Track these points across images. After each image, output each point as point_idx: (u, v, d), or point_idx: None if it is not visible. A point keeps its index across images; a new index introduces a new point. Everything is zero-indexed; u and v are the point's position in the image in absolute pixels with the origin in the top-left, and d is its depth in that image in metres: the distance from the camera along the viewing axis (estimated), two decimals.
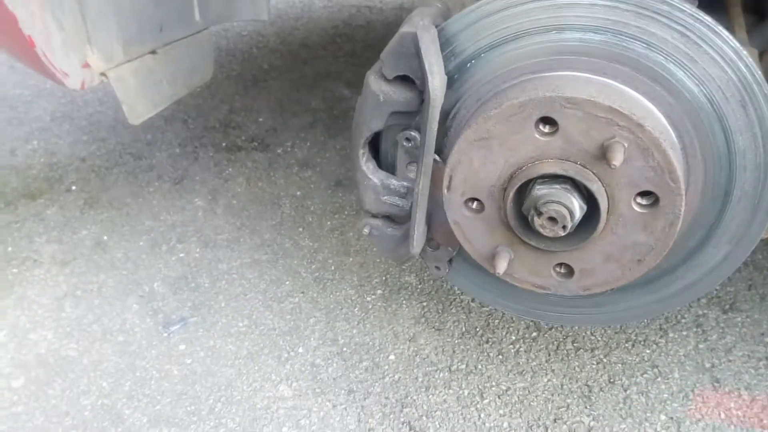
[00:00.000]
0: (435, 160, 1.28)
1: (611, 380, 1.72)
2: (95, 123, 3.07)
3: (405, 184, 1.35)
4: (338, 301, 2.02)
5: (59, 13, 1.31)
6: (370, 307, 1.99)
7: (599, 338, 1.84)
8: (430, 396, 1.70)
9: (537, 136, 1.15)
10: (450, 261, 1.46)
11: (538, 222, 1.16)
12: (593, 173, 1.14)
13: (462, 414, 1.65)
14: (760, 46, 1.63)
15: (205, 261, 2.20)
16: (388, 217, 1.42)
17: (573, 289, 1.29)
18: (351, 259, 2.19)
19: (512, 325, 1.89)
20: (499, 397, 1.68)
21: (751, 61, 1.10)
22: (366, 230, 1.41)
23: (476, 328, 1.89)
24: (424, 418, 1.64)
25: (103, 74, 1.49)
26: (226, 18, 1.83)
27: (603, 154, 1.11)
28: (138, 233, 2.34)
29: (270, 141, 2.88)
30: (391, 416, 1.65)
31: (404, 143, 1.31)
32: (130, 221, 2.40)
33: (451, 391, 1.71)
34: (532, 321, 1.87)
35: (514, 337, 1.86)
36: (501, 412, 1.65)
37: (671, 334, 1.83)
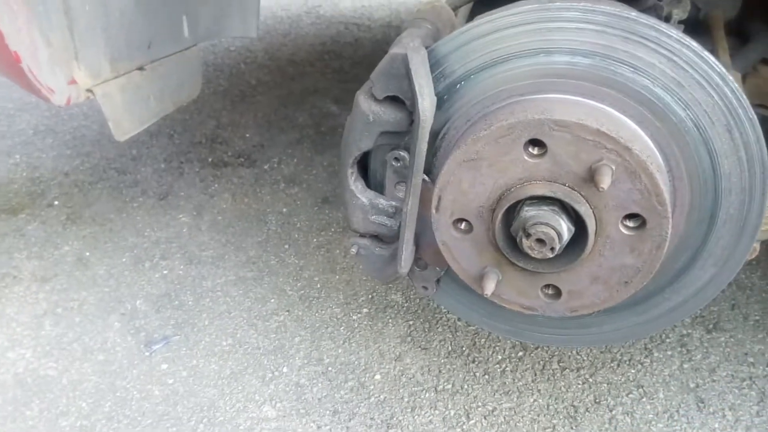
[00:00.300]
0: (424, 180, 1.28)
1: (597, 400, 1.71)
2: (79, 137, 3.04)
3: (393, 203, 1.35)
4: (324, 319, 2.00)
5: (47, 28, 1.30)
6: (356, 325, 1.98)
7: (585, 358, 1.84)
8: (416, 417, 1.68)
9: (526, 157, 1.16)
10: (438, 281, 1.45)
11: (526, 243, 1.16)
12: (581, 195, 1.15)
13: None
14: (743, 68, 1.66)
15: (189, 278, 2.17)
16: (376, 237, 1.41)
17: (560, 311, 1.29)
18: (337, 276, 2.17)
19: (498, 344, 1.89)
20: (485, 418, 1.67)
21: (737, 86, 1.11)
22: (354, 249, 1.40)
23: (462, 347, 1.88)
24: None
25: (89, 90, 1.48)
26: (215, 34, 1.83)
27: (591, 177, 1.12)
28: (121, 249, 2.31)
29: (257, 157, 2.86)
30: None
31: (393, 163, 1.30)
32: (113, 237, 2.37)
33: (437, 412, 1.69)
34: (518, 341, 1.87)
35: (500, 357, 1.85)
36: None
37: (656, 354, 1.84)
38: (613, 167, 1.10)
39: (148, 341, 1.93)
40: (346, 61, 3.79)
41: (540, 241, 1.15)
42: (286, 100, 3.36)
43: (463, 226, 1.27)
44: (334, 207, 2.52)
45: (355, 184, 1.34)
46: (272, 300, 2.08)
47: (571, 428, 1.64)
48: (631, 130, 1.15)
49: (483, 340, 1.90)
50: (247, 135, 3.04)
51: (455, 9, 1.50)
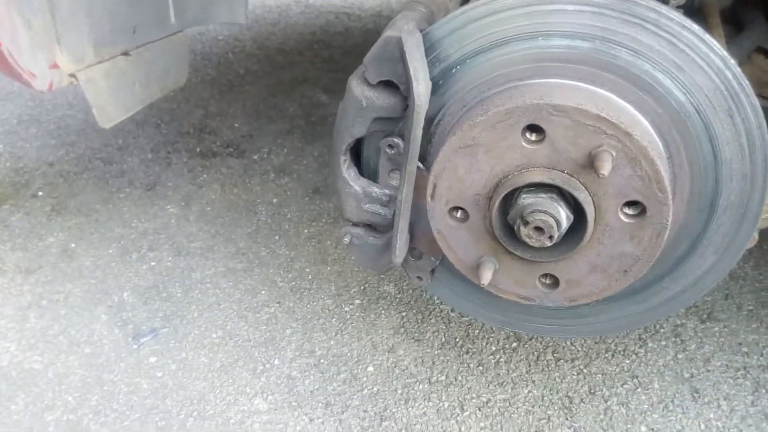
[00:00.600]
0: (418, 167, 1.25)
1: (592, 391, 1.70)
2: (64, 127, 2.98)
3: (387, 192, 1.32)
4: (315, 311, 1.97)
5: (27, 11, 1.25)
6: (348, 317, 1.95)
7: (579, 348, 1.82)
8: (410, 409, 1.66)
9: (523, 143, 1.13)
10: (432, 271, 1.42)
11: (524, 232, 1.14)
12: (580, 182, 1.12)
13: (442, 427, 1.61)
14: (738, 57, 1.64)
15: (178, 270, 2.13)
16: (370, 226, 1.38)
17: (558, 300, 1.26)
18: (328, 267, 2.14)
19: (492, 335, 1.87)
20: (479, 409, 1.65)
21: (739, 70, 1.09)
22: (346, 239, 1.37)
23: (456, 338, 1.86)
24: (403, 431, 1.61)
25: (72, 75, 1.43)
26: (202, 21, 1.78)
27: (590, 163, 1.09)
28: (107, 241, 2.26)
29: (246, 147, 2.82)
30: (370, 430, 1.61)
31: (387, 150, 1.27)
32: (100, 228, 2.32)
33: (430, 404, 1.67)
34: (512, 332, 1.85)
35: (494, 348, 1.83)
36: (482, 424, 1.62)
37: (650, 344, 1.83)
38: (614, 153, 1.07)
39: (135, 334, 1.89)
40: (336, 51, 3.75)
41: (538, 229, 1.12)
42: (275, 90, 3.31)
43: (459, 214, 1.24)
44: (324, 197, 2.49)
45: (347, 172, 1.30)
46: (263, 291, 2.05)
47: (566, 419, 1.63)
48: (631, 115, 1.13)
49: (477, 331, 1.88)
50: (236, 125, 2.99)
51: None
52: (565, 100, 1.08)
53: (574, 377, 1.74)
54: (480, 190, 1.19)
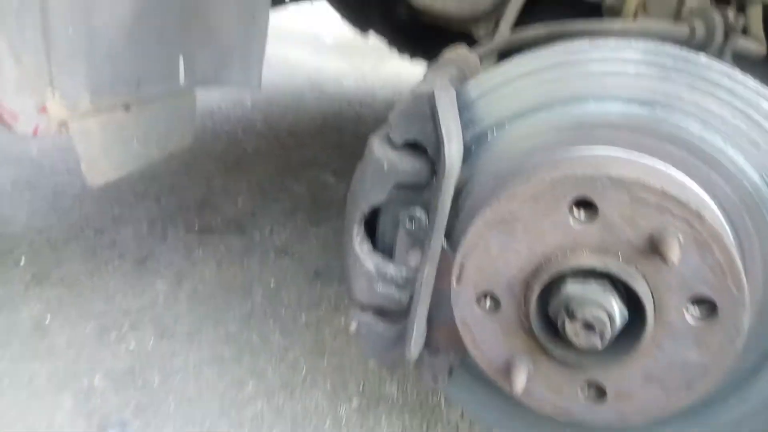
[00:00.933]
0: (442, 246, 1.07)
1: None
2: (60, 192, 2.84)
3: (404, 271, 1.13)
4: (307, 410, 1.73)
5: (18, 42, 1.13)
6: (344, 420, 1.70)
7: None
8: None
9: (571, 221, 0.96)
10: (450, 371, 1.21)
11: (570, 328, 0.94)
12: (638, 271, 0.94)
13: None
14: None
15: (158, 354, 1.91)
16: (381, 311, 1.18)
17: (605, 417, 1.04)
18: (325, 361, 1.91)
19: None
20: None
21: None
22: (353, 326, 1.17)
23: None
24: None
25: (63, 123, 1.29)
26: (214, 81, 1.67)
27: (651, 248, 0.91)
28: (86, 316, 2.05)
29: (247, 225, 2.66)
30: None
31: (407, 223, 1.10)
32: (80, 302, 2.12)
33: None
34: None
35: None
36: None
37: None
38: (681, 237, 0.90)
39: (101, 426, 1.64)
40: (347, 136, 3.68)
41: (588, 326, 0.93)
42: (282, 170, 3.20)
43: (488, 302, 1.04)
44: (326, 282, 2.29)
45: (360, 246, 1.12)
46: (250, 384, 1.81)
47: None
48: (698, 194, 0.96)
49: None
50: (239, 202, 2.85)
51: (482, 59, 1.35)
52: (623, 172, 0.92)
53: None
54: (516, 274, 1.01)
